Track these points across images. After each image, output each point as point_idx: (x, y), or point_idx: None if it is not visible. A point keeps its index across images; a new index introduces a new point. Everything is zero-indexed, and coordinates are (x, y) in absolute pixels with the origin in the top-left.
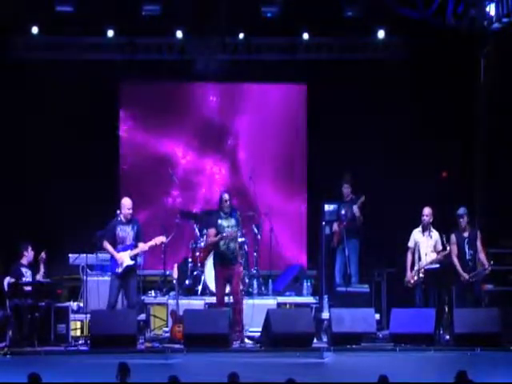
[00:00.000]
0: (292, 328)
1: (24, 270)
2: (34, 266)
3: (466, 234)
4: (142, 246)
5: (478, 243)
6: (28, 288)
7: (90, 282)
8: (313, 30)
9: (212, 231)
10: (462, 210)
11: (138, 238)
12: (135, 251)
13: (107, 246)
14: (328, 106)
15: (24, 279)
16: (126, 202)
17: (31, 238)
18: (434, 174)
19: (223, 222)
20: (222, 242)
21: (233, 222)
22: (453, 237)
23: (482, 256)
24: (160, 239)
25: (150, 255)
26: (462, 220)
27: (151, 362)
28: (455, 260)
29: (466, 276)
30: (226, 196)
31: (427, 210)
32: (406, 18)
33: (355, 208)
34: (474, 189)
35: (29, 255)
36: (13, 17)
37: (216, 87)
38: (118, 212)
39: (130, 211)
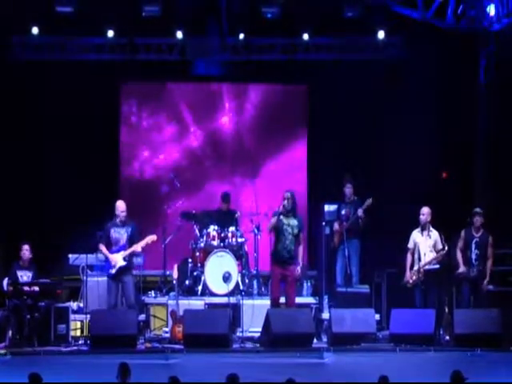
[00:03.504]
0: (292, 328)
1: (20, 273)
2: (33, 266)
3: (477, 234)
4: (134, 247)
5: (489, 250)
6: (28, 288)
7: (89, 282)
8: (313, 30)
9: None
10: (478, 209)
11: (133, 240)
12: (127, 252)
13: (102, 247)
14: (328, 107)
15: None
16: (119, 205)
17: (31, 238)
18: (434, 174)
19: (283, 219)
20: (279, 240)
21: (295, 222)
22: (462, 233)
23: (489, 264)
24: (151, 238)
25: (150, 255)
26: (477, 218)
27: (151, 362)
28: (458, 253)
29: (463, 269)
30: (288, 194)
31: (425, 210)
32: (406, 18)
33: (360, 211)
34: (474, 189)
35: (24, 255)
36: (13, 17)
37: (216, 87)
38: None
39: (124, 213)
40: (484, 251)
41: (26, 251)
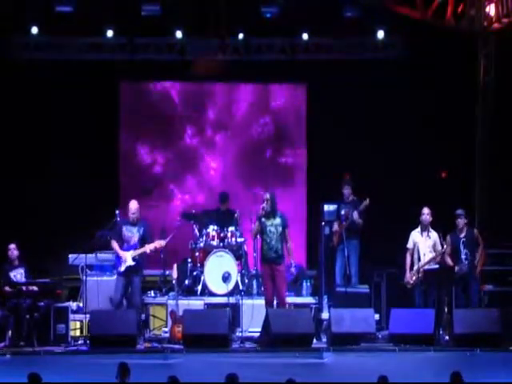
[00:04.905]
0: (291, 328)
1: (13, 273)
2: (22, 263)
3: (462, 235)
4: (144, 248)
5: (479, 239)
6: (27, 288)
7: (89, 282)
8: (313, 30)
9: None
10: (459, 211)
11: (145, 240)
12: (137, 252)
13: (114, 244)
14: (328, 106)
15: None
16: (131, 206)
17: (31, 238)
18: (434, 174)
19: (266, 221)
20: (264, 241)
21: (278, 221)
22: (448, 238)
23: (480, 250)
24: (159, 243)
25: (150, 255)
26: (459, 220)
27: (151, 362)
28: (448, 259)
29: (456, 268)
30: (267, 196)
31: (427, 210)
32: (406, 18)
33: (355, 214)
34: (474, 189)
35: (11, 254)
36: (13, 17)
37: (216, 87)
38: (117, 212)
39: (135, 215)
40: (472, 247)
41: (13, 250)
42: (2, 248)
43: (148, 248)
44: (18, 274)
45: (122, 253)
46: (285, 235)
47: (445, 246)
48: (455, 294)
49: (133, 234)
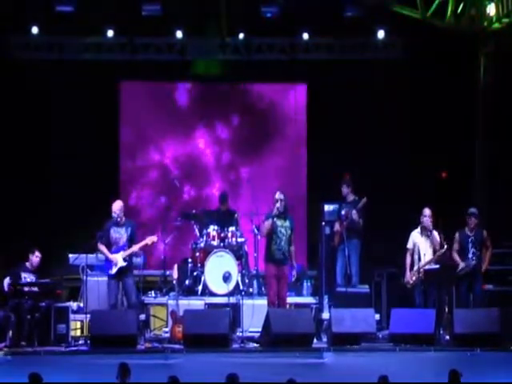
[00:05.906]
0: (292, 328)
1: (24, 275)
2: (39, 272)
3: (471, 234)
4: (134, 247)
5: (487, 243)
6: (28, 288)
7: (89, 282)
8: (313, 30)
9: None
10: (473, 209)
11: (132, 240)
12: (127, 252)
13: (101, 247)
14: (328, 106)
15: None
16: (115, 206)
17: (31, 238)
18: (434, 174)
19: (277, 221)
20: (273, 241)
21: (288, 223)
22: (457, 235)
23: (488, 253)
24: (151, 239)
25: (150, 255)
26: (472, 219)
27: (151, 362)
28: (455, 256)
29: (463, 264)
30: (281, 196)
31: (428, 211)
32: (406, 18)
33: (354, 213)
34: (474, 189)
35: (34, 260)
36: (13, 17)
37: (216, 87)
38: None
39: (118, 214)
40: (480, 247)
41: (37, 257)
42: (2, 247)
43: (138, 246)
44: (28, 278)
45: (111, 256)
46: (291, 239)
47: (445, 246)
48: (460, 293)
49: (121, 235)
